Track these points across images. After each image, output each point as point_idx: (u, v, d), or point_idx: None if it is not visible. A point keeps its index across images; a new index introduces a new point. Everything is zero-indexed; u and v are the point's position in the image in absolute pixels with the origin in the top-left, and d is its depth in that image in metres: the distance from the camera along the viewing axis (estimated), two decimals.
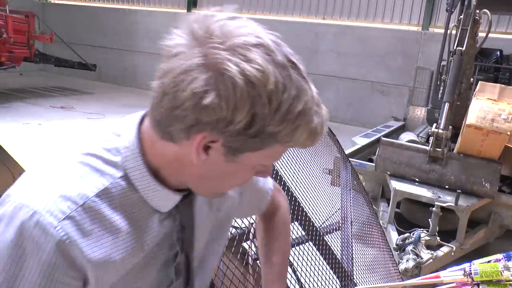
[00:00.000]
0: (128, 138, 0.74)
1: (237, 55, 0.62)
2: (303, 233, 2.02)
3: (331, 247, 2.13)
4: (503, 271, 1.10)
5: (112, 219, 0.71)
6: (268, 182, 1.09)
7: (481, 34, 4.87)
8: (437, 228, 3.38)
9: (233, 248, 1.59)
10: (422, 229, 3.41)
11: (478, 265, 1.14)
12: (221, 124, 0.63)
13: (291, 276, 1.75)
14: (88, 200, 0.69)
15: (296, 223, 1.98)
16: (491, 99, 3.95)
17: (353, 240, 2.36)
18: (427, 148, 4.02)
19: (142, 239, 0.76)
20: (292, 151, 2.29)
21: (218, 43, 0.62)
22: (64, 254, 0.66)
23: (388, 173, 4.12)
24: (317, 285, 1.75)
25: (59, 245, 0.66)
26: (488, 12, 4.46)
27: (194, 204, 0.84)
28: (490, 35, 4.62)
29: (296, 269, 1.70)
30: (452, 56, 4.36)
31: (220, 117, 0.62)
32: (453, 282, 1.18)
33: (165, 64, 0.65)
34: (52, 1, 15.58)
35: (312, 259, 1.85)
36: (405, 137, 5.39)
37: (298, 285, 1.74)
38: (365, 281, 2.22)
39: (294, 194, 2.03)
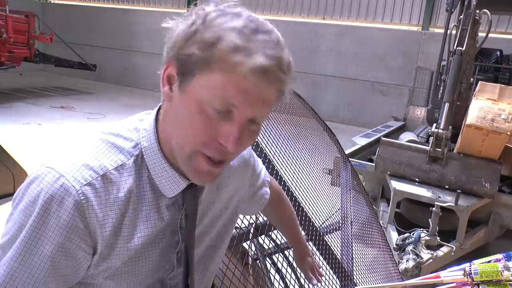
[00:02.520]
0: (148, 120, 0.84)
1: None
2: (303, 233, 2.01)
3: (331, 247, 2.12)
4: (503, 271, 1.10)
5: (125, 194, 0.79)
6: (263, 174, 1.17)
7: (481, 34, 4.87)
8: (437, 228, 3.38)
9: (233, 248, 1.59)
10: (422, 229, 3.40)
11: (478, 265, 1.14)
12: (170, 49, 0.76)
13: (290, 277, 1.75)
14: (107, 172, 0.77)
15: None
16: (491, 99, 3.95)
17: (353, 240, 2.36)
18: (427, 148, 4.01)
19: (148, 220, 0.82)
20: (292, 150, 2.28)
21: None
22: (81, 215, 0.74)
23: (388, 173, 4.12)
24: (317, 285, 1.74)
25: (78, 206, 0.74)
26: (488, 12, 4.45)
27: (200, 196, 0.88)
28: (490, 35, 4.62)
29: (296, 269, 1.70)
30: (452, 56, 4.35)
31: (170, 44, 0.76)
32: (453, 282, 1.18)
33: None
34: (52, 1, 15.57)
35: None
36: (405, 137, 5.39)
37: (298, 285, 1.74)
38: (365, 281, 2.22)
39: (294, 194, 2.02)
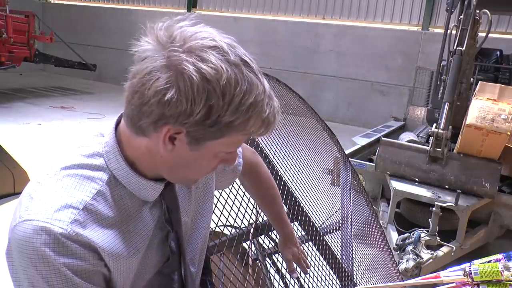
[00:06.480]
0: (107, 140, 0.84)
1: (194, 56, 0.71)
2: (303, 233, 2.02)
3: (331, 247, 2.13)
4: (503, 271, 1.10)
5: (111, 216, 0.80)
6: None
7: (481, 34, 4.87)
8: (437, 228, 3.38)
9: (233, 248, 1.59)
10: (422, 229, 3.40)
11: (478, 265, 1.14)
12: (182, 117, 0.72)
13: (290, 277, 1.74)
14: (86, 204, 0.77)
15: (296, 223, 1.98)
16: (491, 99, 3.95)
17: (353, 240, 2.36)
18: (427, 148, 4.01)
19: (139, 229, 0.86)
20: (292, 150, 2.28)
21: (178, 46, 0.72)
22: (81, 243, 0.75)
23: (388, 173, 4.12)
24: (317, 285, 1.75)
25: (74, 239, 0.74)
26: (488, 12, 4.45)
27: (175, 188, 0.93)
28: (490, 35, 4.62)
29: (295, 269, 1.70)
30: (452, 56, 4.35)
31: (181, 110, 0.71)
32: (453, 282, 1.18)
33: (135, 67, 0.75)
34: (52, 1, 15.57)
35: (312, 259, 1.85)
36: (405, 137, 5.39)
37: (298, 285, 1.74)
38: (365, 281, 2.22)
39: (294, 194, 2.02)
